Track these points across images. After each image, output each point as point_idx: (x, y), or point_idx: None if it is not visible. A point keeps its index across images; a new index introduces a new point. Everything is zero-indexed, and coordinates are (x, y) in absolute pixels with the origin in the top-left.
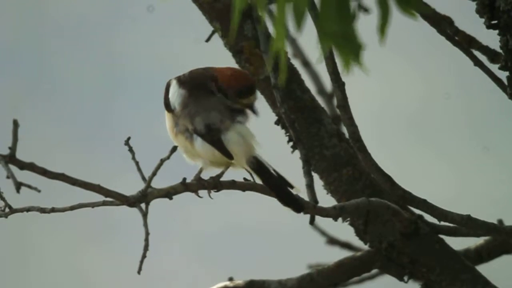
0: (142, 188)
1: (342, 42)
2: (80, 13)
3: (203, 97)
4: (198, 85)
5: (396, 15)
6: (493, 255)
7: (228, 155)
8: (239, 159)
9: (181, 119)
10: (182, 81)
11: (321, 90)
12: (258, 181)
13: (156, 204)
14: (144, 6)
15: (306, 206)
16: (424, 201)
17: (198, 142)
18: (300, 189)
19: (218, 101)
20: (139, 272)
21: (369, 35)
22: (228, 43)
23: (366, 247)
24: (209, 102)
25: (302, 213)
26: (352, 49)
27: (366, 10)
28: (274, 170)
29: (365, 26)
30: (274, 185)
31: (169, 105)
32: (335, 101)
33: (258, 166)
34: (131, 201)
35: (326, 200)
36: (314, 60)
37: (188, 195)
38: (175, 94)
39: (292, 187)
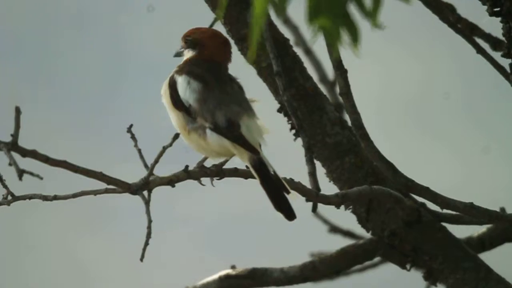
0: (145, 175)
1: (338, 24)
2: (83, 2)
3: (220, 88)
4: (213, 74)
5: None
6: (496, 243)
7: (252, 149)
8: (242, 156)
9: (199, 116)
10: (195, 74)
11: (323, 77)
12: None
13: (159, 192)
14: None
15: (308, 196)
16: (427, 188)
17: (213, 137)
18: (296, 196)
19: (235, 91)
20: (141, 260)
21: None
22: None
23: (368, 235)
24: (227, 94)
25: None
26: (350, 30)
27: None
28: (274, 172)
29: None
30: (270, 189)
31: (179, 103)
32: (337, 89)
33: (259, 165)
34: (133, 189)
35: (328, 188)
36: (315, 46)
37: (190, 183)
38: (187, 90)
39: (288, 192)
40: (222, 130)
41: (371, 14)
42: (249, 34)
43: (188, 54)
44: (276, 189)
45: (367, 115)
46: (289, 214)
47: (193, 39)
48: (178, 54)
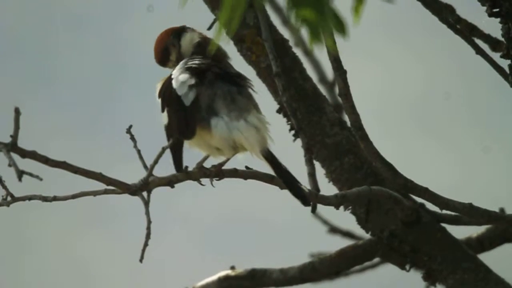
0: (144, 176)
1: (320, 15)
2: (83, 3)
3: (223, 83)
4: (214, 69)
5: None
6: (495, 244)
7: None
8: (253, 147)
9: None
10: (194, 70)
11: (322, 78)
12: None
13: (158, 192)
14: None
15: (310, 200)
16: (426, 189)
17: (218, 129)
18: (306, 188)
19: (239, 85)
20: (141, 261)
21: (368, 22)
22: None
23: (367, 235)
24: (234, 90)
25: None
26: (329, 23)
27: None
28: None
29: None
30: (286, 177)
31: (170, 96)
32: (336, 90)
33: (271, 157)
34: (132, 190)
35: (327, 188)
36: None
37: (190, 184)
38: (185, 86)
39: (299, 183)
40: (169, 132)
41: (355, 10)
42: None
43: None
44: (291, 178)
45: (367, 115)
46: (306, 200)
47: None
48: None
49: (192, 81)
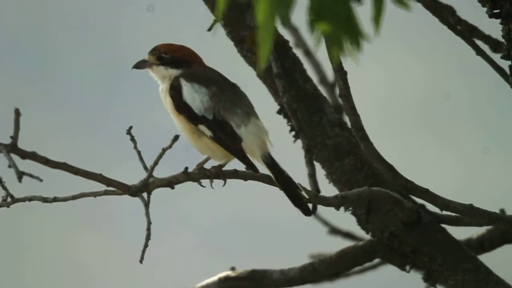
0: (144, 177)
1: (342, 27)
2: (82, 3)
3: (228, 90)
4: (216, 79)
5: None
6: (495, 245)
7: (251, 165)
8: (254, 153)
9: (200, 123)
10: (198, 79)
11: (323, 79)
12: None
13: (158, 194)
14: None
15: (308, 197)
16: (426, 190)
17: None
18: (306, 196)
19: (239, 93)
20: (141, 261)
21: (368, 23)
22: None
23: (368, 236)
24: (235, 96)
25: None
26: (354, 35)
27: (359, 0)
28: (284, 171)
29: (362, 17)
30: (286, 185)
31: (182, 106)
32: (337, 90)
33: (272, 162)
34: (133, 191)
35: (328, 189)
36: (315, 49)
37: (190, 185)
38: (195, 95)
39: (300, 189)
40: (223, 141)
41: (374, 21)
42: (258, 44)
43: (163, 71)
44: (292, 186)
45: (367, 116)
46: (307, 210)
47: (172, 57)
48: (140, 67)
49: (209, 103)
